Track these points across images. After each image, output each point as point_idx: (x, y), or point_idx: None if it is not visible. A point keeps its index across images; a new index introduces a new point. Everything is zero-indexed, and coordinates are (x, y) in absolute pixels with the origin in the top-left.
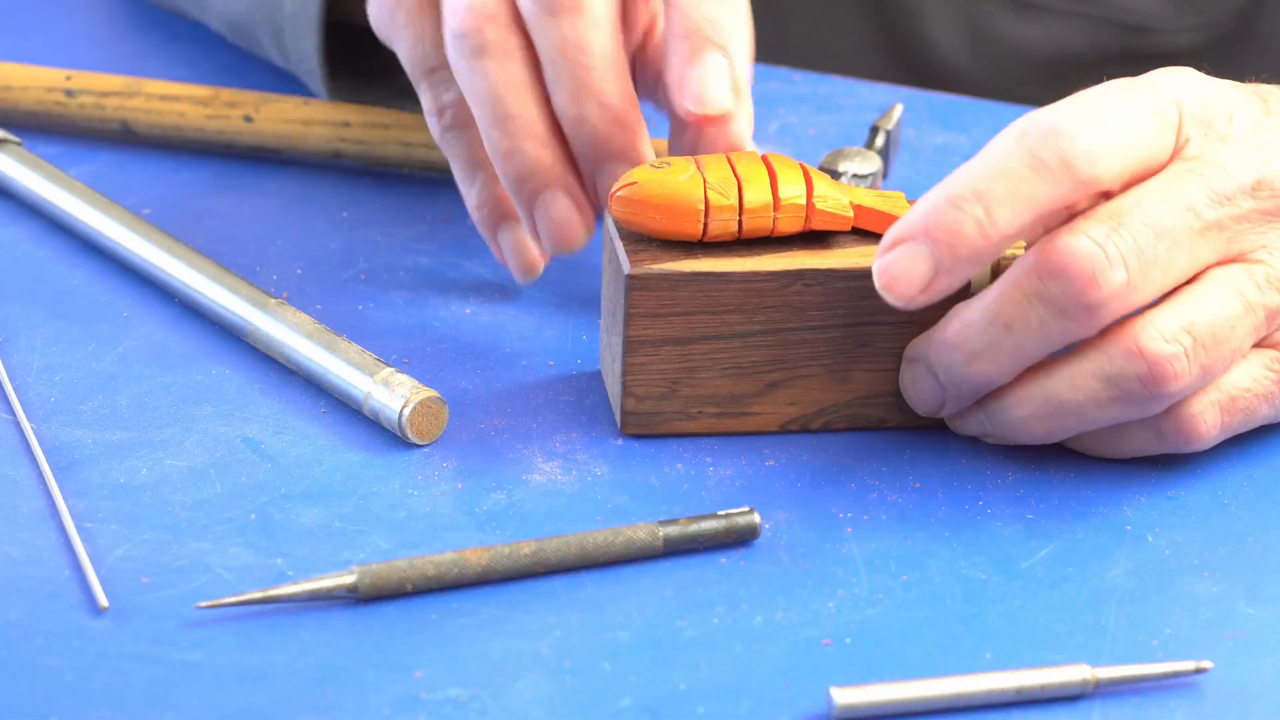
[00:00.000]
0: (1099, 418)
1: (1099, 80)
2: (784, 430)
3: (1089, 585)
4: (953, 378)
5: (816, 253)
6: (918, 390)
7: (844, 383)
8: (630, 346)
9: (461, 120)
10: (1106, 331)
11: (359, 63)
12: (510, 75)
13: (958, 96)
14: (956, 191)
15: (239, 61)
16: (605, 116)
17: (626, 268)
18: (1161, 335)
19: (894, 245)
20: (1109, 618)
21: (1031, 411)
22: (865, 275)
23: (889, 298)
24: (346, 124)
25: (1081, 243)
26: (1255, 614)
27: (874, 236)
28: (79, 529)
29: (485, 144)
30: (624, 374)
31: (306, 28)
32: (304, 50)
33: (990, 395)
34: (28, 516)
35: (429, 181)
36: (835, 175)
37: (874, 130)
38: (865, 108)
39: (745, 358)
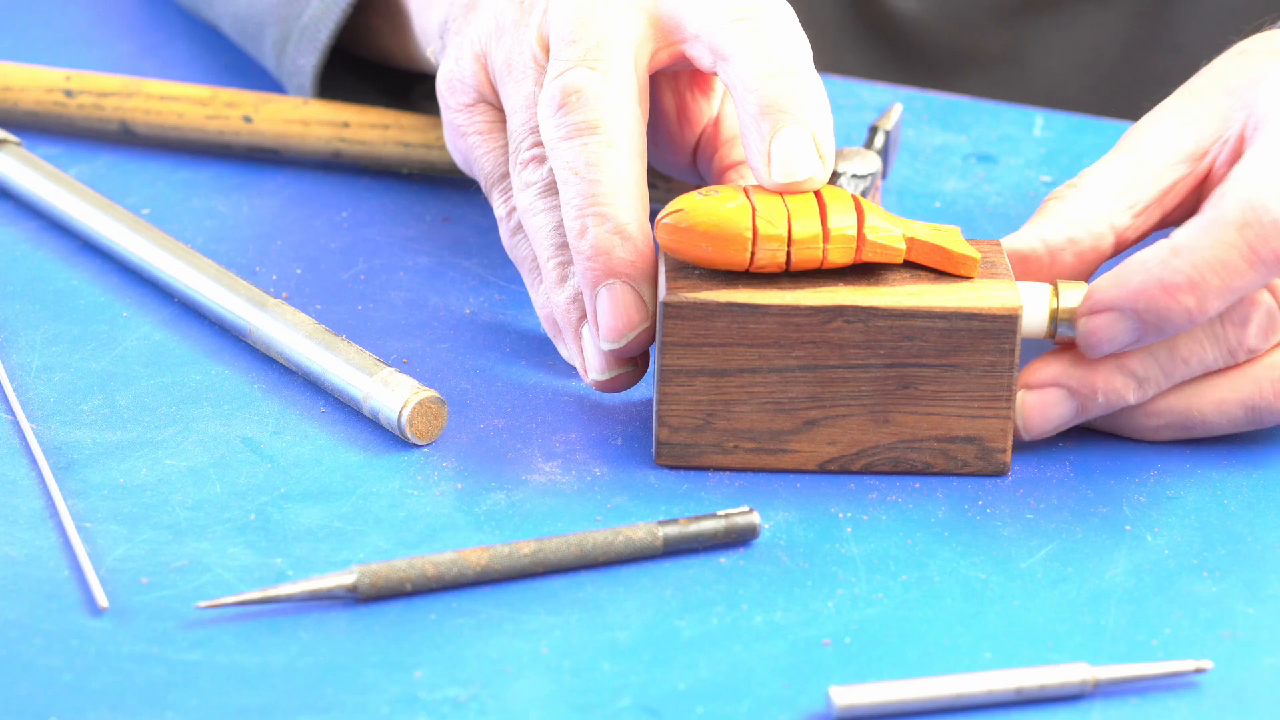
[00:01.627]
0: (1226, 430)
1: (1047, 20)
2: (823, 470)
3: (1088, 585)
4: (1111, 400)
5: (861, 288)
6: (1047, 415)
7: (886, 424)
8: (664, 376)
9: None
10: (1252, 361)
11: (346, 86)
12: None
13: (958, 96)
14: (1172, 280)
15: (238, 62)
16: (608, 228)
17: (662, 294)
18: None
19: (1099, 311)
20: (1108, 617)
21: (1166, 423)
22: (908, 315)
23: (1089, 352)
24: (346, 124)
25: (1264, 297)
26: (1254, 613)
27: (927, 270)
28: (78, 529)
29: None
30: (658, 404)
31: (311, 47)
32: (301, 66)
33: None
34: (27, 516)
35: (429, 181)
36: (834, 175)
37: (873, 130)
38: (865, 108)
39: (783, 393)
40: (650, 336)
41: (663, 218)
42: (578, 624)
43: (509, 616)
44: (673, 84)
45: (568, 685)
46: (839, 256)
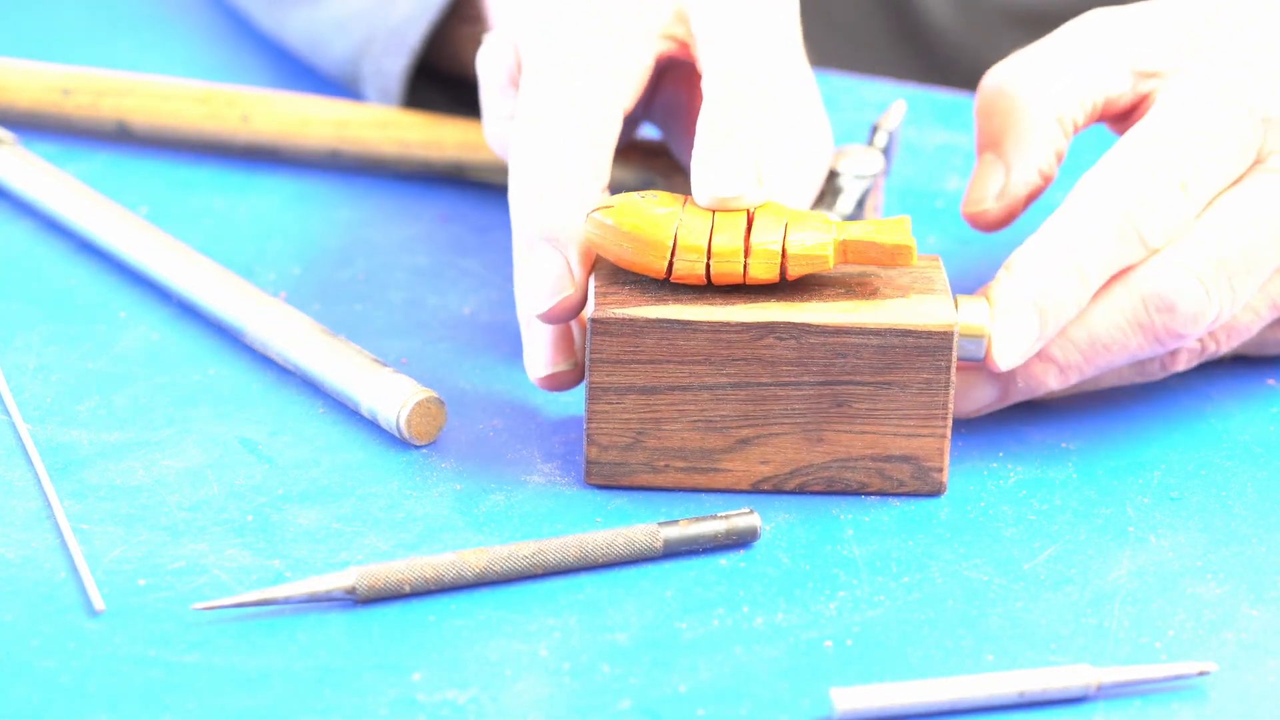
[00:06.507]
0: (1114, 383)
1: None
2: (756, 490)
3: (1092, 586)
4: (1032, 386)
5: (794, 304)
6: (969, 397)
7: (820, 443)
8: (593, 393)
9: None
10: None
11: (427, 97)
12: None
13: (959, 94)
14: (1056, 261)
15: (236, 60)
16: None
17: (591, 310)
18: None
19: (1011, 309)
20: (1112, 619)
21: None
22: (841, 332)
23: (1000, 364)
24: (344, 123)
25: (1191, 284)
26: (1259, 615)
27: (863, 285)
28: (75, 530)
29: None
30: (586, 422)
31: (400, 49)
32: (387, 68)
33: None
34: (24, 518)
35: (428, 181)
36: (835, 175)
37: (875, 128)
38: (867, 106)
39: (714, 411)
40: (578, 304)
41: (592, 211)
42: (577, 626)
43: (508, 618)
44: (695, 80)
45: (567, 687)
46: (761, 272)
